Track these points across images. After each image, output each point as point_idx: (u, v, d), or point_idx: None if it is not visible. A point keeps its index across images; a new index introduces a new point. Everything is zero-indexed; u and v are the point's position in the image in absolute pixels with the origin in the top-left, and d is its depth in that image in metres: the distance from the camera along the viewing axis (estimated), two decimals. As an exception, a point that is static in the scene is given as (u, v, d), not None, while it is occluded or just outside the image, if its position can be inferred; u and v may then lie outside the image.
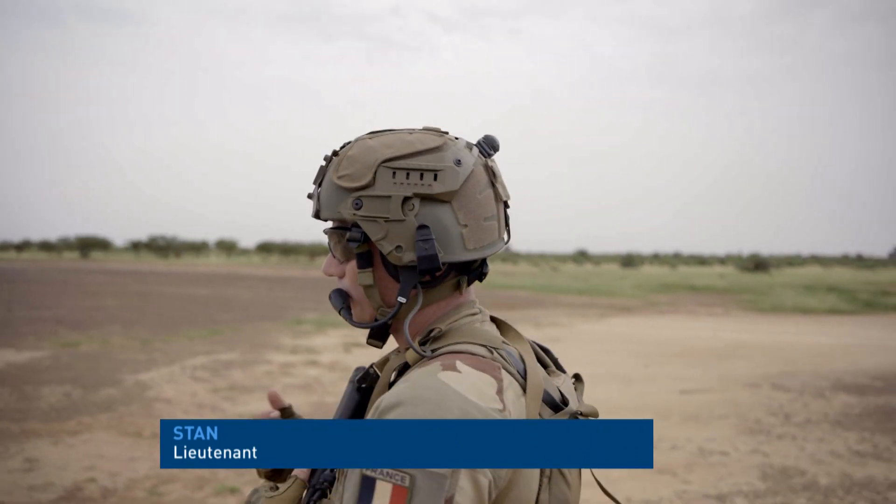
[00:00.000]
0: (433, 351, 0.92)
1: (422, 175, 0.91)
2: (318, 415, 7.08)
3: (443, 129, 0.97)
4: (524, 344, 0.98)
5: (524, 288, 33.35)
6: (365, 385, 1.04)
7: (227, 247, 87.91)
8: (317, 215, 0.97)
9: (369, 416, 0.87)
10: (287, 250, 77.02)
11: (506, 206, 1.01)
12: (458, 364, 0.86)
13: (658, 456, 5.67)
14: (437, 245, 0.91)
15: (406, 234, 0.91)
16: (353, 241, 0.93)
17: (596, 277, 41.44)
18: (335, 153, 0.96)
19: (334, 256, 1.00)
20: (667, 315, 19.82)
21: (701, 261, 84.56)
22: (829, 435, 6.29)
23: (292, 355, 10.96)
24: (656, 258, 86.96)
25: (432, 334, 0.94)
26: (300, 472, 0.98)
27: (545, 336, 13.75)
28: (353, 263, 0.97)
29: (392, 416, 0.82)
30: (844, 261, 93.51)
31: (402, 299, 0.92)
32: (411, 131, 0.95)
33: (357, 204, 0.91)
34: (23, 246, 79.88)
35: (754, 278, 43.69)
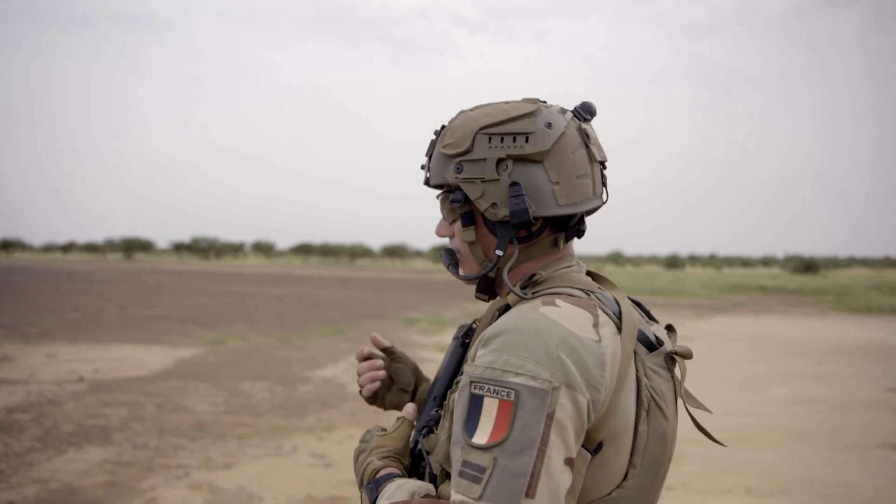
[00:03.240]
0: (533, 294, 0.98)
1: (514, 138, 0.97)
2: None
3: (540, 98, 1.04)
4: (619, 291, 1.05)
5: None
6: (468, 340, 1.14)
7: (263, 248, 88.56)
8: (426, 182, 1.07)
9: (473, 348, 0.96)
10: (327, 252, 77.38)
11: (602, 166, 1.06)
12: (558, 301, 0.94)
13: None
14: (529, 201, 0.97)
15: (500, 193, 0.97)
16: (455, 201, 1.01)
17: (656, 278, 40.93)
18: (443, 126, 1.04)
19: (444, 219, 1.08)
20: (763, 315, 19.43)
21: (744, 262, 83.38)
22: None
23: (441, 353, 10.84)
24: (696, 259, 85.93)
25: (533, 279, 1.01)
26: (408, 414, 1.10)
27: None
28: (457, 224, 1.04)
29: (496, 342, 0.89)
30: (888, 262, 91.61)
31: (499, 252, 1.00)
32: (508, 102, 1.02)
33: (458, 168, 1.00)
34: (68, 247, 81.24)
35: (811, 279, 42.86)
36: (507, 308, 1.00)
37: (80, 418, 6.20)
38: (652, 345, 1.00)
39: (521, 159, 0.97)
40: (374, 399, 1.24)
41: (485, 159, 0.98)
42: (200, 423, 6.18)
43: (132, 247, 76.87)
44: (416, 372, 1.24)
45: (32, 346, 10.38)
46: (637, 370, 0.95)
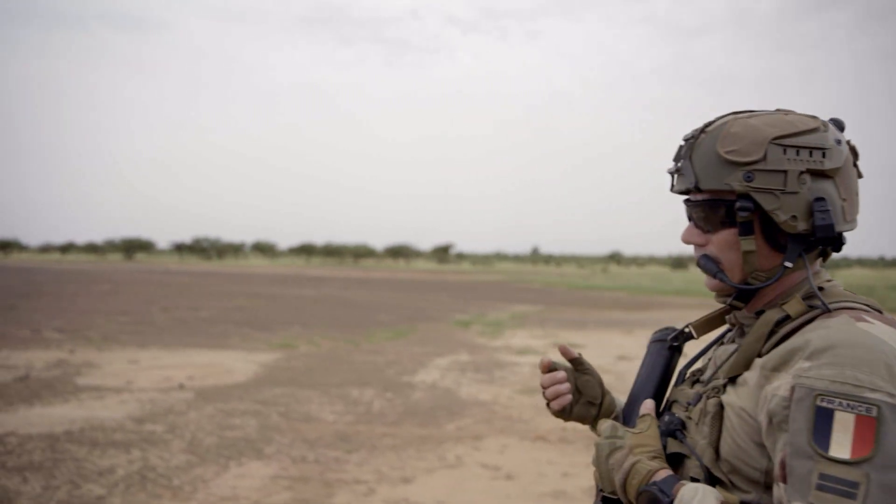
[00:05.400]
0: (832, 307, 0.97)
1: (811, 152, 0.97)
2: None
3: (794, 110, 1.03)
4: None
5: (613, 289, 32.98)
6: (677, 344, 1.17)
7: (264, 249, 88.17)
8: (684, 189, 1.05)
9: (772, 357, 0.94)
10: (330, 252, 77.09)
11: None
12: (866, 317, 0.93)
13: None
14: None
15: (800, 206, 0.97)
16: (743, 210, 0.98)
17: (674, 279, 40.97)
18: (702, 131, 1.03)
19: (696, 226, 1.06)
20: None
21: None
22: None
23: (521, 356, 10.66)
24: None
25: (810, 292, 1.00)
26: (651, 410, 1.07)
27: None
28: (724, 232, 1.02)
29: (828, 356, 0.88)
30: (884, 262, 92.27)
31: (788, 264, 1.00)
32: (786, 112, 1.02)
33: (748, 177, 0.98)
34: (67, 248, 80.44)
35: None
36: (785, 318, 0.99)
37: (214, 430, 5.97)
38: None
39: (817, 174, 0.98)
40: (562, 412, 1.25)
41: (785, 171, 0.97)
42: (341, 433, 5.97)
43: (133, 247, 76.33)
44: (602, 384, 1.26)
45: (106, 352, 10.12)
46: None
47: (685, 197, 1.09)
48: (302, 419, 6.44)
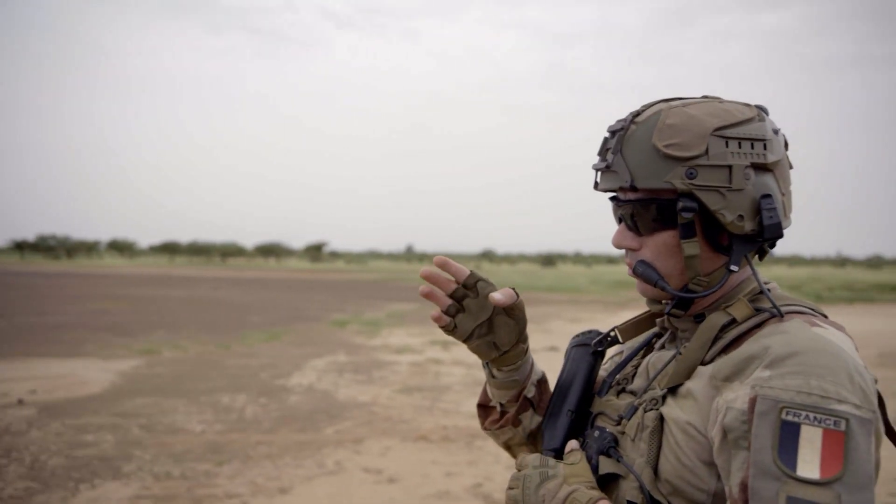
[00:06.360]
0: (784, 310, 0.91)
1: (752, 144, 0.91)
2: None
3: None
4: None
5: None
6: (602, 349, 1.06)
7: (122, 247, 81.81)
8: (614, 187, 0.95)
9: (722, 365, 0.86)
10: (196, 250, 72.86)
11: None
12: (819, 322, 0.89)
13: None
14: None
15: (746, 204, 0.90)
16: (687, 210, 0.90)
17: (545, 276, 42.60)
18: (632, 121, 0.93)
19: (629, 228, 0.96)
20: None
21: (609, 259, 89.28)
22: None
23: (400, 355, 10.59)
24: (565, 257, 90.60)
25: (757, 294, 0.95)
26: (578, 446, 0.97)
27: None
28: (661, 235, 0.93)
29: (791, 364, 0.82)
30: (794, 260, 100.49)
31: (734, 268, 0.92)
32: (720, 100, 0.94)
33: (691, 174, 0.89)
34: None
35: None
36: (731, 322, 0.91)
37: (62, 449, 5.36)
38: None
39: (760, 168, 0.91)
40: (453, 330, 1.02)
41: (730, 166, 0.89)
42: (211, 444, 5.57)
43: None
44: (521, 336, 1.04)
45: (-72, 365, 8.83)
46: None
47: (611, 195, 0.99)
48: (167, 431, 5.95)
